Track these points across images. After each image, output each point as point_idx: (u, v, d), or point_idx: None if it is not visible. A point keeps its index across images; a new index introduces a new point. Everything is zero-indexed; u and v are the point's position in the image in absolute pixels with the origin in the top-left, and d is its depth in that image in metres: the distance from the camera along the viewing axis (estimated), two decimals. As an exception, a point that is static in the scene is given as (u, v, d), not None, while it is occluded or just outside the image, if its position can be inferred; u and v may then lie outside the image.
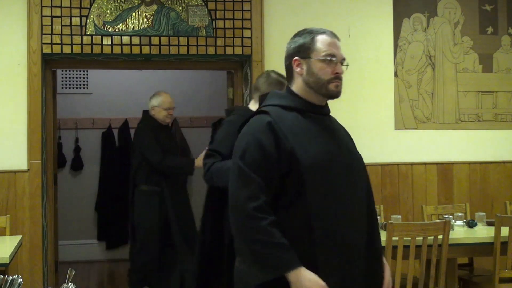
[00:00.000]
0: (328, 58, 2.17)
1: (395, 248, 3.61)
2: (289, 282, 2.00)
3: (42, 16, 4.75)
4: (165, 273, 4.94)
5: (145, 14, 4.91)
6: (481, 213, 4.51)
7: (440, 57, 5.42)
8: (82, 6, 4.81)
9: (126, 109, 7.14)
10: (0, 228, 4.24)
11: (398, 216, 4.15)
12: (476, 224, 4.28)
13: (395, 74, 5.34)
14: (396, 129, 5.33)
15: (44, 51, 4.76)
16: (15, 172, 4.72)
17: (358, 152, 2.29)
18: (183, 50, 4.95)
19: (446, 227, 3.69)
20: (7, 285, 1.94)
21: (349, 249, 2.10)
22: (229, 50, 5.01)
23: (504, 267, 3.92)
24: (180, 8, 4.96)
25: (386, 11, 5.32)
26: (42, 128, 4.79)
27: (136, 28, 4.90)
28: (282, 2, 5.14)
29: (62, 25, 4.78)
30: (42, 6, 4.74)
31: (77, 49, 4.80)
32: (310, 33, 2.22)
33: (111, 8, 4.87)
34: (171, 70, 6.77)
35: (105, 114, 7.22)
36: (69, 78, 7.18)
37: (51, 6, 4.76)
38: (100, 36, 4.83)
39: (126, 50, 4.87)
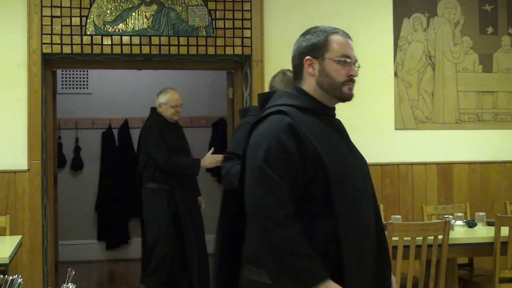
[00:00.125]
0: (343, 59, 2.04)
1: (395, 248, 3.61)
2: None
3: (42, 16, 4.75)
4: (177, 274, 4.88)
5: (145, 14, 4.91)
6: (481, 213, 4.50)
7: (440, 57, 5.42)
8: (82, 6, 4.81)
9: (126, 109, 7.14)
10: (0, 228, 4.24)
11: (398, 216, 4.16)
12: (476, 224, 4.28)
13: (395, 74, 5.34)
14: (396, 129, 5.33)
15: (44, 51, 4.76)
16: (15, 172, 4.72)
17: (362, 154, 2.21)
18: (183, 50, 4.94)
19: (446, 227, 3.69)
20: (7, 285, 1.94)
21: (369, 260, 2.02)
22: (229, 50, 5.00)
23: (504, 267, 3.92)
24: (180, 8, 4.96)
25: (386, 11, 5.32)
26: (42, 128, 4.79)
27: (136, 28, 4.90)
28: (282, 2, 5.14)
29: (62, 25, 4.78)
30: (42, 6, 4.74)
31: (77, 49, 4.80)
32: (324, 32, 2.07)
33: (111, 8, 4.87)
34: (171, 70, 6.76)
35: (105, 114, 7.22)
36: (69, 78, 7.18)
37: (51, 6, 4.76)
38: (100, 36, 4.83)
39: (126, 50, 4.87)
